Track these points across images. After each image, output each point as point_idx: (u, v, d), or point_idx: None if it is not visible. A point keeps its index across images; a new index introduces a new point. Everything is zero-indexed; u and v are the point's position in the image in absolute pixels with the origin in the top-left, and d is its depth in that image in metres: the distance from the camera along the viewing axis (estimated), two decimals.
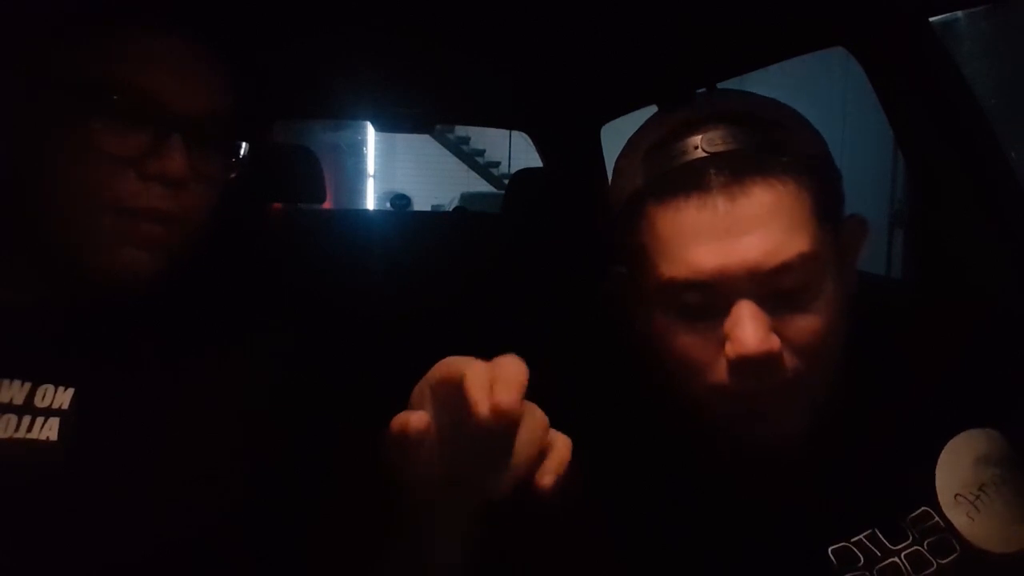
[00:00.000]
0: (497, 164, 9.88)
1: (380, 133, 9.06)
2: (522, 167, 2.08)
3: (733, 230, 0.53)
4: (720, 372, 0.55)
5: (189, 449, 0.61)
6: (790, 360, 0.54)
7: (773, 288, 0.53)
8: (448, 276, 1.56)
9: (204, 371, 0.64)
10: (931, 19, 0.90)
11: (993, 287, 0.91)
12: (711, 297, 0.54)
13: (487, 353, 0.44)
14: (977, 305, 0.88)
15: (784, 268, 0.53)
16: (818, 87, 3.44)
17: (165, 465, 0.60)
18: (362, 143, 10.01)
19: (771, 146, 0.55)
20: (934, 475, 0.58)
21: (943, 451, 0.58)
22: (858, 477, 0.59)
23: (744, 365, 0.53)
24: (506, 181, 2.59)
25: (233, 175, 0.63)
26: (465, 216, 2.28)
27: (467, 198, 7.37)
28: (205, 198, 0.61)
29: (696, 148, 0.55)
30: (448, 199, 8.38)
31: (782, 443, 0.57)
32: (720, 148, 0.54)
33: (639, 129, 0.62)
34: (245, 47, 0.66)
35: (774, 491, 0.58)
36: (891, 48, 0.93)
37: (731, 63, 1.21)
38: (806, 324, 0.54)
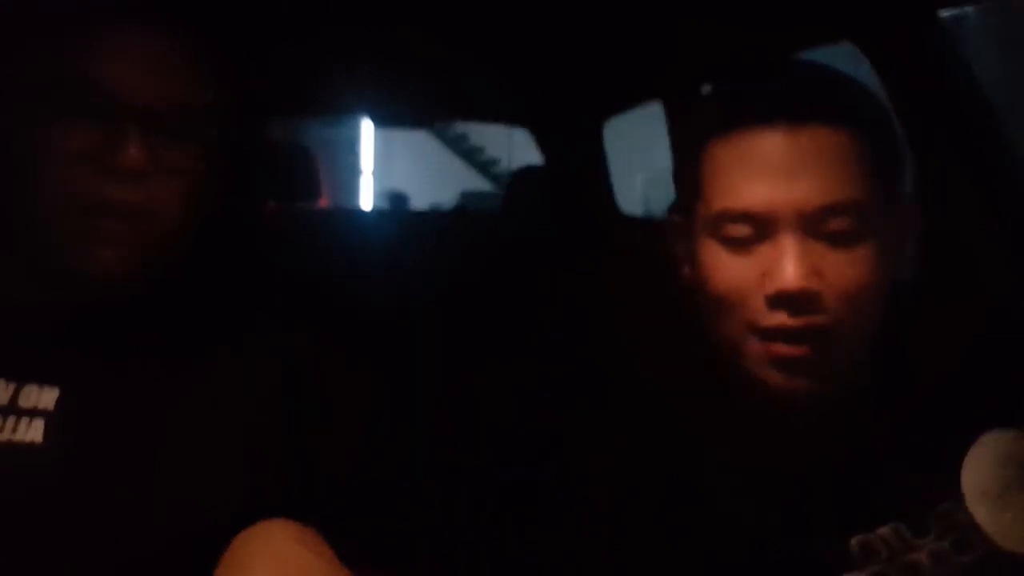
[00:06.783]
0: (497, 162, 9.87)
1: (377, 130, 9.07)
2: (523, 165, 2.06)
3: (790, 166, 0.55)
4: (758, 308, 0.56)
5: (179, 452, 0.60)
6: (829, 304, 0.55)
7: (820, 228, 0.55)
8: (447, 277, 1.53)
9: (196, 373, 0.64)
10: (940, 14, 0.91)
11: (1005, 286, 0.90)
12: (759, 230, 0.56)
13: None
14: (996, 304, 0.87)
15: (833, 209, 0.55)
16: None
17: (153, 468, 0.59)
18: (359, 140, 10.00)
19: (838, 97, 0.58)
20: (960, 472, 0.58)
21: (971, 448, 0.58)
22: (884, 470, 0.59)
23: (782, 301, 0.55)
24: (506, 180, 2.57)
25: (205, 167, 0.61)
26: (464, 216, 2.26)
27: (466, 197, 7.36)
28: (174, 191, 0.59)
29: (765, 93, 0.59)
30: (447, 198, 8.37)
31: (810, 404, 0.57)
32: (789, 93, 0.58)
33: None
34: (228, 39, 0.66)
35: (799, 482, 0.59)
36: (899, 43, 0.93)
37: (737, 59, 1.19)
38: (850, 270, 0.55)
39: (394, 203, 5.91)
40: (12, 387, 0.58)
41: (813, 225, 0.55)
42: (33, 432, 0.57)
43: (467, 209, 5.01)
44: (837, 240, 0.55)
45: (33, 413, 0.57)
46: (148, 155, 0.57)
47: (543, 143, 2.19)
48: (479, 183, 9.51)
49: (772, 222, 0.56)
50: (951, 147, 0.91)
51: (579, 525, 0.62)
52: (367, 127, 9.44)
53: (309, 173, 1.69)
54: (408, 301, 1.46)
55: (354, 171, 10.12)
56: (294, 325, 0.71)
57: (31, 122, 0.56)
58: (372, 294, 1.43)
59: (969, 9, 2.48)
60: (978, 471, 0.58)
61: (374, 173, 10.41)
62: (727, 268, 0.58)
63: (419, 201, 6.75)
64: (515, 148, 8.82)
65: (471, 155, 10.01)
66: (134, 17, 0.58)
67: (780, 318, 0.56)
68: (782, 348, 0.56)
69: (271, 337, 0.69)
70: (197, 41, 0.61)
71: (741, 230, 0.57)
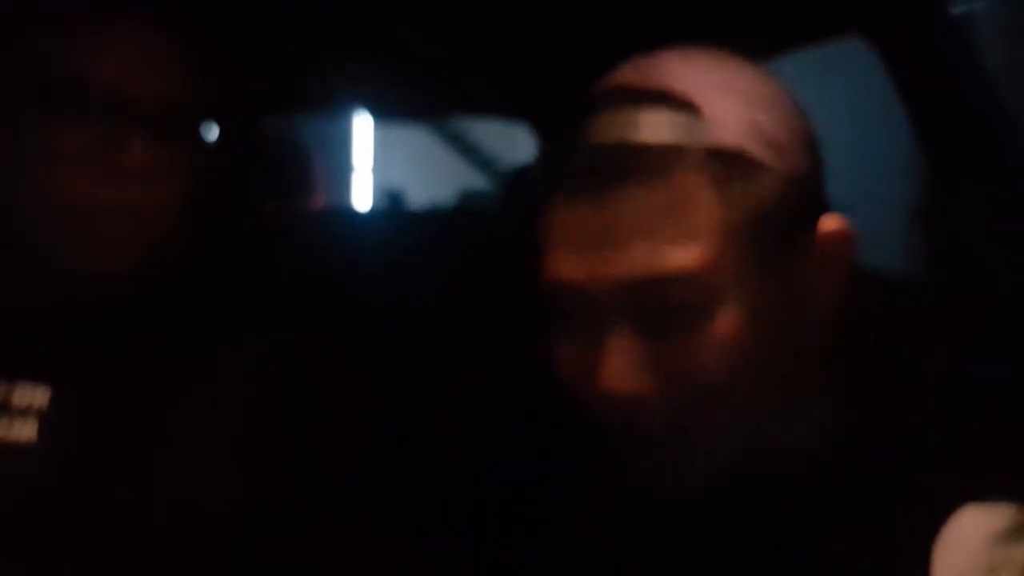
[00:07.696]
0: (497, 160, 9.84)
1: (373, 127, 9.06)
2: (522, 164, 2.04)
3: (605, 237, 0.45)
4: (597, 403, 0.48)
5: (176, 452, 0.61)
6: (675, 401, 0.46)
7: (654, 307, 0.45)
8: (445, 277, 1.53)
9: (194, 373, 0.64)
10: (950, 8, 0.91)
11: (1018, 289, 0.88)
12: (586, 309, 0.47)
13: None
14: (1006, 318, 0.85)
15: (664, 283, 0.44)
16: (828, 77, 3.38)
17: (150, 468, 0.59)
18: (354, 137, 9.97)
19: (669, 134, 0.45)
20: (930, 553, 0.45)
21: (946, 526, 0.45)
22: (838, 548, 0.48)
23: (611, 405, 0.46)
24: (506, 178, 2.56)
25: (204, 167, 0.61)
26: (463, 215, 2.25)
27: (466, 195, 7.34)
28: (172, 191, 0.60)
29: (586, 136, 0.47)
30: (446, 196, 8.35)
31: (688, 494, 0.49)
32: (604, 139, 0.46)
33: None
34: (226, 37, 0.64)
35: (743, 562, 0.52)
36: (908, 38, 0.92)
37: (740, 53, 1.19)
38: (696, 357, 0.45)
39: (391, 201, 5.90)
40: (5, 386, 0.58)
41: (645, 303, 0.45)
42: (27, 432, 0.57)
43: (466, 208, 5.00)
44: (679, 320, 0.45)
45: (27, 412, 0.58)
46: (149, 156, 0.57)
47: (544, 141, 2.18)
48: (478, 181, 9.49)
49: (598, 301, 0.46)
50: (962, 146, 0.90)
51: (579, 525, 0.61)
52: (365, 123, 9.42)
53: (304, 170, 1.68)
54: (407, 301, 1.45)
55: (350, 168, 10.10)
56: (293, 325, 0.71)
57: (29, 122, 0.56)
58: (371, 294, 1.43)
59: (980, 3, 2.45)
60: (955, 553, 0.44)
61: (372, 170, 10.39)
62: (566, 350, 0.50)
63: (417, 199, 6.73)
64: (515, 146, 8.80)
65: (470, 152, 9.98)
66: (133, 16, 0.58)
67: (618, 423, 0.47)
68: (635, 448, 0.49)
69: (270, 337, 0.69)
70: (195, 39, 0.61)
71: (569, 307, 0.48)
